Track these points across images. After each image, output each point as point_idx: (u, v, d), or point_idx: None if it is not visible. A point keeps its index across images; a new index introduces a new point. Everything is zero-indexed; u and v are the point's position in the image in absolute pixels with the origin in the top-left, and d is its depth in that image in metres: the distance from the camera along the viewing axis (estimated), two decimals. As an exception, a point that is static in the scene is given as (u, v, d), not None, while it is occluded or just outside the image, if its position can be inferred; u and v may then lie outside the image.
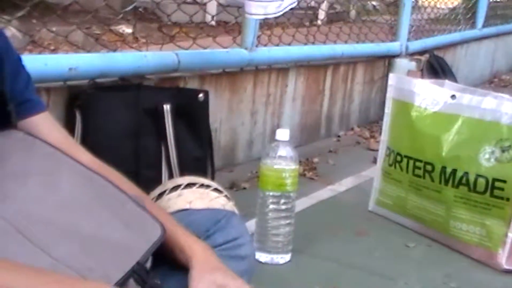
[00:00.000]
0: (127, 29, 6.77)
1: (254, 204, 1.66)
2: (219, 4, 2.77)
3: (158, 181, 1.68)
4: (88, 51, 1.84)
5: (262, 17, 1.90)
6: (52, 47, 3.25)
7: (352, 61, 3.16)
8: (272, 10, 1.91)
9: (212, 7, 6.46)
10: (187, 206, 1.36)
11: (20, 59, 1.10)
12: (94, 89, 1.74)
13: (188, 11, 2.68)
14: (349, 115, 3.25)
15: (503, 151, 1.61)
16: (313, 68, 2.84)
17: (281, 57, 2.56)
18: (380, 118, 3.42)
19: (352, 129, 3.26)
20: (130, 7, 2.08)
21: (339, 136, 3.13)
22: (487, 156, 1.63)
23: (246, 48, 2.34)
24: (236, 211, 1.45)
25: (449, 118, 1.73)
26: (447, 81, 1.90)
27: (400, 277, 1.57)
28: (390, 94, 2.00)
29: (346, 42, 3.20)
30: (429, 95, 1.82)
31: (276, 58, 2.53)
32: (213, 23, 7.04)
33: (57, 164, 1.04)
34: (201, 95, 1.82)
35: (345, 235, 1.84)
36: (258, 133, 2.57)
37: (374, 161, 2.17)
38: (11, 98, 1.04)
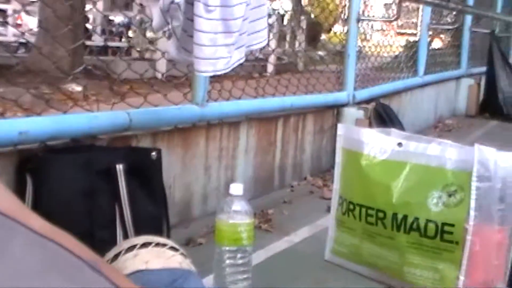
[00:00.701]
0: (76, 88, 6.75)
1: (212, 260, 1.66)
2: (168, 61, 2.82)
3: (113, 242, 1.66)
4: (39, 114, 1.83)
5: (211, 73, 1.94)
6: (-1, 109, 3.22)
7: (302, 112, 3.23)
8: (221, 66, 1.95)
9: (162, 63, 6.56)
10: (144, 267, 1.35)
11: None
12: (45, 152, 1.72)
13: (138, 67, 2.72)
14: (301, 164, 3.30)
15: (449, 195, 1.67)
16: (264, 120, 2.89)
17: (232, 111, 2.60)
18: (332, 166, 3.48)
19: (305, 178, 3.30)
20: (80, 68, 2.08)
21: (292, 186, 3.16)
22: (435, 201, 1.68)
23: (197, 104, 2.38)
24: (193, 268, 1.45)
25: (397, 166, 1.79)
26: (393, 129, 1.97)
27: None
28: (339, 143, 2.05)
29: (295, 93, 3.28)
30: (377, 144, 1.87)
31: (227, 112, 2.57)
32: (163, 78, 7.12)
33: (8, 232, 1.02)
34: (153, 153, 1.83)
35: (303, 286, 1.85)
36: (212, 187, 2.57)
37: (328, 210, 2.20)
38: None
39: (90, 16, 10.34)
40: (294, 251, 2.20)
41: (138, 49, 8.99)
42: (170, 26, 1.89)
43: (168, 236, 1.83)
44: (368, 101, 3.75)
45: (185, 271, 1.29)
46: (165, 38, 2.05)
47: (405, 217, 1.71)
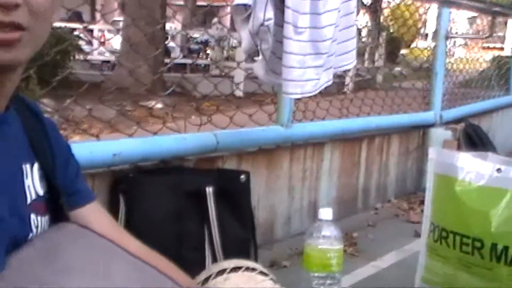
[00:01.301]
0: (157, 105, 6.92)
1: (297, 283, 1.63)
2: (248, 77, 2.83)
3: (202, 264, 1.66)
4: (130, 135, 1.87)
5: (300, 96, 1.92)
6: (84, 125, 3.33)
7: (386, 133, 3.16)
8: (309, 88, 1.93)
9: (239, 78, 6.62)
10: (235, 291, 1.34)
11: (69, 148, 1.12)
12: (137, 173, 1.76)
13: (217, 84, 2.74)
14: (385, 186, 3.21)
15: (555, 226, 1.56)
16: (348, 141, 2.85)
17: (317, 132, 2.57)
18: (417, 189, 3.39)
19: (389, 201, 3.22)
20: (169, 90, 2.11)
21: (376, 209, 3.09)
22: (539, 232, 1.58)
23: (282, 125, 2.37)
24: (282, 294, 1.42)
25: (496, 192, 1.69)
26: (490, 154, 1.87)
27: None
28: (431, 168, 1.97)
29: (379, 113, 3.21)
30: (473, 169, 1.78)
31: (312, 133, 2.54)
32: (241, 94, 7.17)
33: (109, 255, 1.04)
34: (242, 176, 1.83)
35: (393, 316, 1.79)
36: (295, 209, 2.55)
37: (416, 234, 2.13)
38: (62, 190, 1.05)
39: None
40: (382, 277, 2.13)
41: (217, 66, 9.14)
42: (259, 49, 1.89)
43: (256, 259, 1.81)
44: (456, 121, 3.61)
45: (275, 297, 1.27)
46: (244, 55, 2.05)
47: (505, 248, 1.61)
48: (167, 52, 9.31)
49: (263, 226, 2.38)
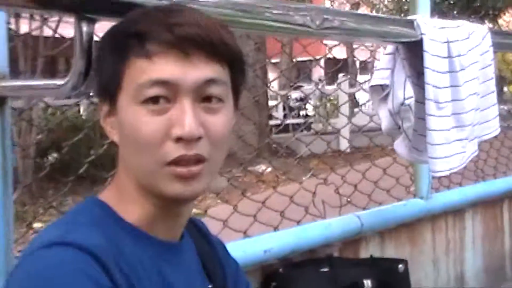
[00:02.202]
0: (266, 168, 6.94)
1: None
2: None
3: None
4: (276, 228, 1.84)
5: (448, 172, 1.82)
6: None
7: (527, 191, 2.95)
8: (456, 163, 1.83)
9: (345, 133, 6.55)
10: None
11: (237, 265, 1.10)
12: (287, 267, 1.72)
13: (320, 142, 2.69)
14: (532, 249, 2.99)
15: None
16: (489, 204, 2.69)
17: (457, 200, 2.45)
18: None
19: (538, 264, 2.98)
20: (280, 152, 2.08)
21: (526, 275, 2.86)
22: None
23: (422, 198, 2.26)
24: None
25: None
26: None
27: None
28: None
29: (515, 170, 3.03)
30: None
31: (452, 202, 2.42)
32: (348, 149, 7.11)
33: None
34: (400, 265, 1.74)
35: None
36: (442, 282, 2.40)
37: None
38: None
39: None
40: None
41: (320, 123, 9.12)
42: (401, 128, 1.83)
43: None
44: None
45: None
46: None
47: None
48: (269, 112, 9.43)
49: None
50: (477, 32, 1.86)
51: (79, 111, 6.27)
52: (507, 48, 2.36)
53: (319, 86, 5.10)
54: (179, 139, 0.78)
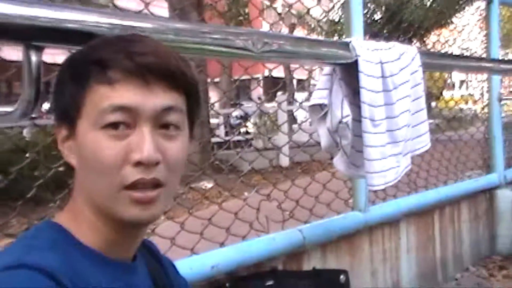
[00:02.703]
0: (208, 184, 6.95)
1: None
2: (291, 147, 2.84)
3: None
4: (222, 244, 1.89)
5: (384, 186, 1.92)
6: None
7: (455, 201, 3.12)
8: (392, 177, 1.94)
9: (285, 149, 6.67)
10: None
11: (186, 283, 1.13)
12: (235, 282, 1.76)
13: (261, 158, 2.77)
14: (461, 255, 3.15)
15: None
16: (422, 215, 2.82)
17: (392, 212, 2.56)
18: (492, 252, 3.32)
19: (467, 269, 3.14)
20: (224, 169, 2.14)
21: (456, 279, 3.02)
22: None
23: (360, 210, 2.37)
24: None
25: None
26: None
27: None
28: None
29: (445, 182, 3.19)
30: None
31: (388, 214, 2.53)
32: (287, 164, 7.22)
33: None
34: (342, 276, 1.82)
35: None
36: (379, 291, 2.51)
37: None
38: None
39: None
40: None
41: (260, 140, 9.22)
42: (339, 146, 1.92)
43: None
44: (521, 179, 3.56)
45: None
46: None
47: None
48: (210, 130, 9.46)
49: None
50: (407, 53, 1.98)
51: (21, 132, 6.10)
52: (434, 68, 2.50)
53: (258, 105, 5.19)
54: (137, 164, 0.81)
